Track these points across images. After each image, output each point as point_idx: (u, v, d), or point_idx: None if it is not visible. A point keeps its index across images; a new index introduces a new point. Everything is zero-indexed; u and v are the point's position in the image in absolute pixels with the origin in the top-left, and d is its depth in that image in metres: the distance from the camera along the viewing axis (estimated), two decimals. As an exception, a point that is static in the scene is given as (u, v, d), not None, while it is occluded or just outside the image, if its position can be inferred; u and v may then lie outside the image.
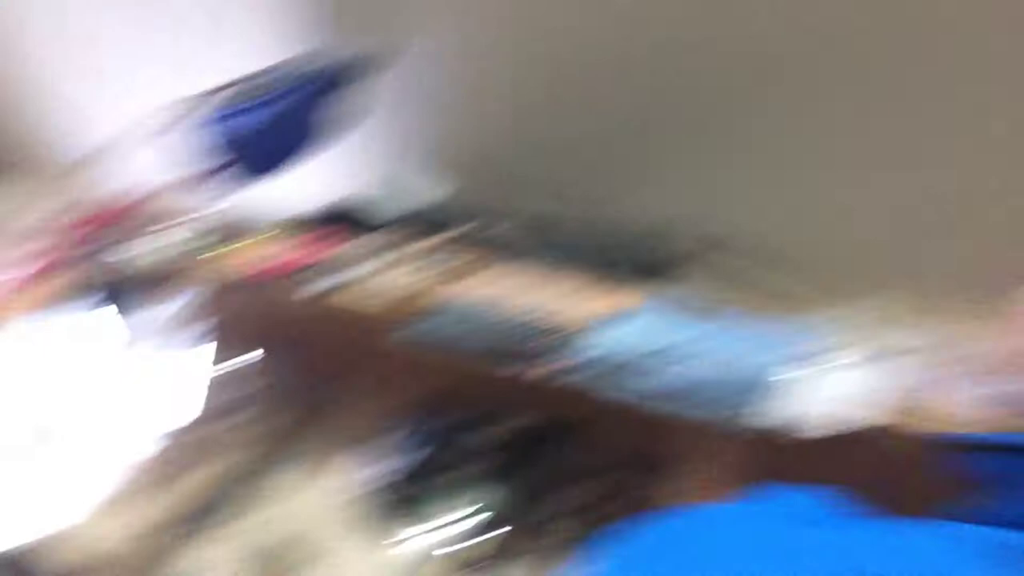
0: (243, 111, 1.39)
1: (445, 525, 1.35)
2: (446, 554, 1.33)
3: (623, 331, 1.15)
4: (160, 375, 1.52)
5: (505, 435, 1.44)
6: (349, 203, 1.64)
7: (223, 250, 1.50)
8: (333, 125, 1.50)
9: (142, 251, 1.49)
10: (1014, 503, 0.60)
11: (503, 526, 1.34)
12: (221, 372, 1.59)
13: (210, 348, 1.57)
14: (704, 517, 0.56)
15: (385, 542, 1.37)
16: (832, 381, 0.97)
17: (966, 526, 0.46)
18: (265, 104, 1.42)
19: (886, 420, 0.93)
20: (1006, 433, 0.69)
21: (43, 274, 1.47)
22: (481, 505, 1.36)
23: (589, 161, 1.58)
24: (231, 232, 1.54)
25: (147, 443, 1.48)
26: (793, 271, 1.44)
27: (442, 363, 1.31)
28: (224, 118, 1.38)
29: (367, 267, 1.42)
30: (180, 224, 1.52)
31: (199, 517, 1.41)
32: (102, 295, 1.47)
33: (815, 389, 0.97)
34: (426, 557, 1.33)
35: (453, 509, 1.37)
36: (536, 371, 1.20)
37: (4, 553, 1.24)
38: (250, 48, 1.67)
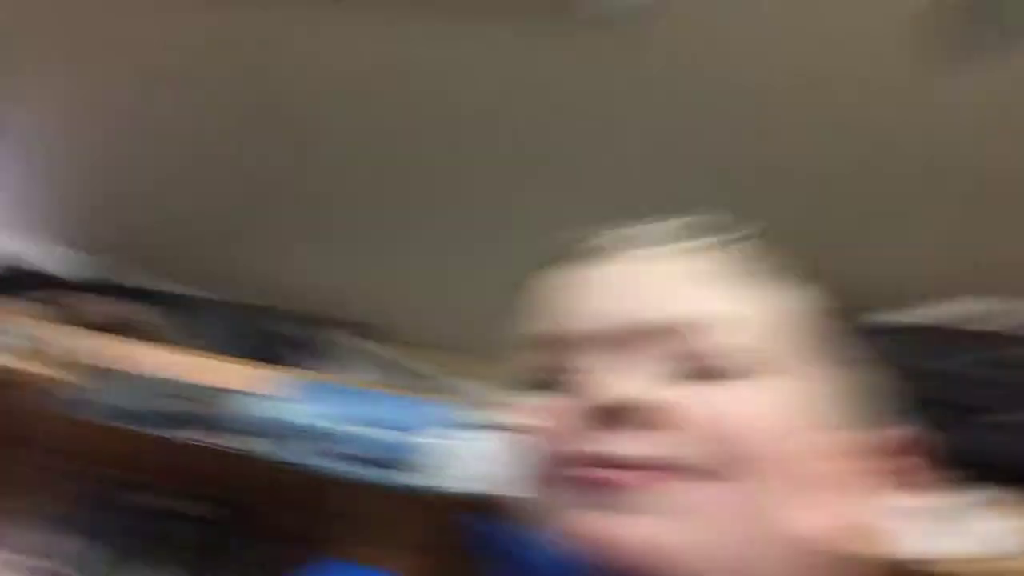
0: None
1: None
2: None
3: (283, 408, 1.16)
4: None
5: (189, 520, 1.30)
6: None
7: None
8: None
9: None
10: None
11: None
12: None
13: None
14: None
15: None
16: (478, 447, 1.08)
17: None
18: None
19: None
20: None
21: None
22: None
23: (227, 237, 1.52)
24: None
25: None
26: (424, 352, 1.43)
27: (114, 433, 1.19)
28: None
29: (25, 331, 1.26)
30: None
31: None
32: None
33: (466, 454, 1.09)
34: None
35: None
36: (205, 444, 1.15)
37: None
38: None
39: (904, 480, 0.50)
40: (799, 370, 0.49)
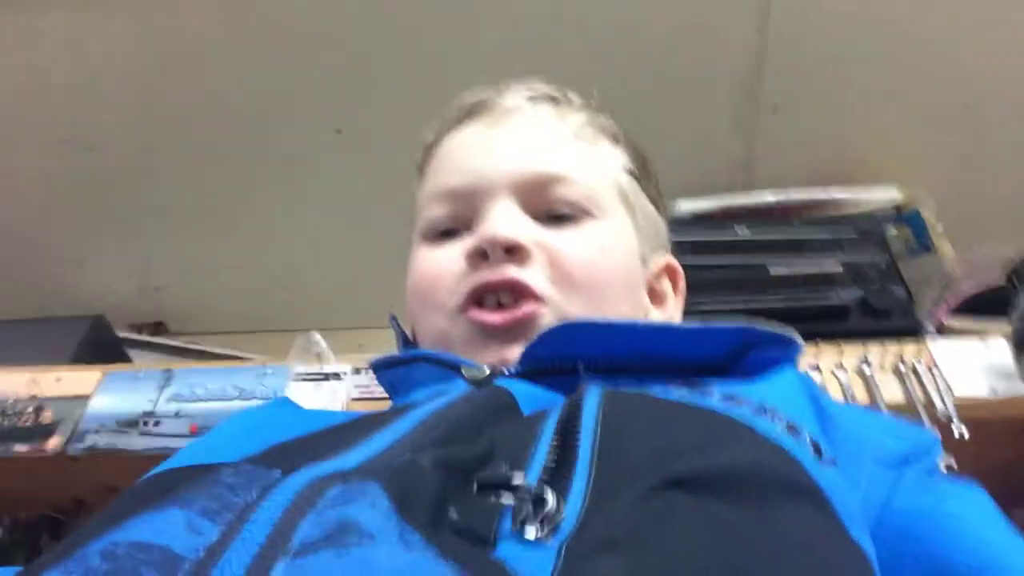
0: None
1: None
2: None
3: (102, 401, 1.17)
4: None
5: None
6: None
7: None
8: None
9: None
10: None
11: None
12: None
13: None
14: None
15: None
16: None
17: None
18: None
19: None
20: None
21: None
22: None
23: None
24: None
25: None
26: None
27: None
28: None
29: None
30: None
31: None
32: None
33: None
34: None
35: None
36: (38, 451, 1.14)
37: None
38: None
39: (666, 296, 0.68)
40: (622, 215, 0.65)
